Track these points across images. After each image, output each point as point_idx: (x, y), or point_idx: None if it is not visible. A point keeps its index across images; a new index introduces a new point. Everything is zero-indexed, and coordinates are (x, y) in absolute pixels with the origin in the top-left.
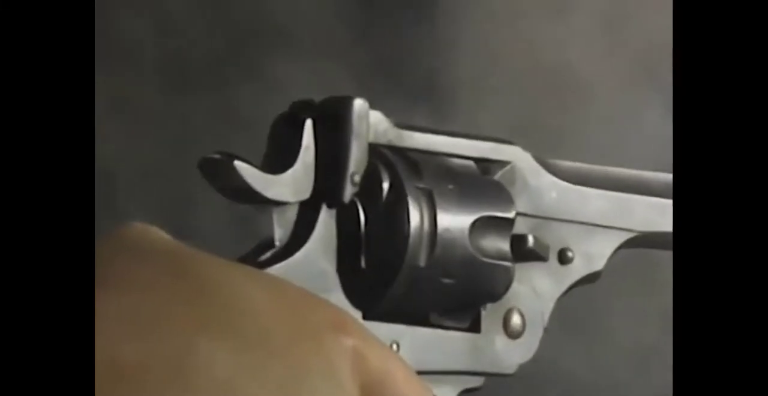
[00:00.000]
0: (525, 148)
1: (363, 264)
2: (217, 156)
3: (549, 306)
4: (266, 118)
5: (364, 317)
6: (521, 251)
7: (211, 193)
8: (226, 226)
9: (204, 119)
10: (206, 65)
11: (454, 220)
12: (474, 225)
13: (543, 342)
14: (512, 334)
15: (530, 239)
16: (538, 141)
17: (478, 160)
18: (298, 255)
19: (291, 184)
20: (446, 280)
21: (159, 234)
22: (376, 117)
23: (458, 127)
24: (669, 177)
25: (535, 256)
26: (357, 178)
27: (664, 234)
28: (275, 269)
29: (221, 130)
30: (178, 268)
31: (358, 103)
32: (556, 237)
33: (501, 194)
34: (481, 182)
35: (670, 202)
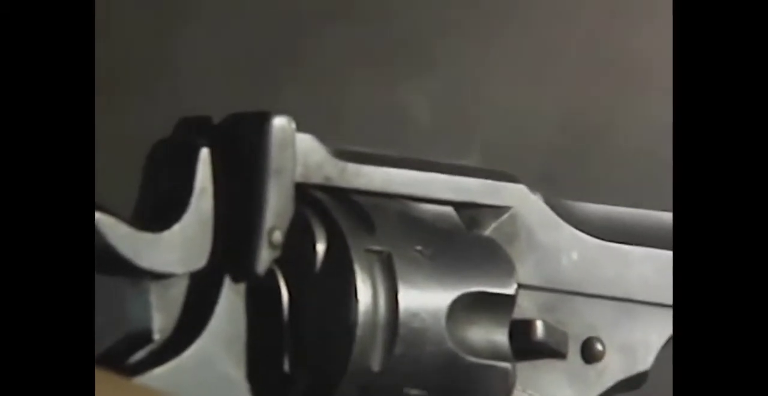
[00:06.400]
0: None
1: (286, 367)
2: None
3: None
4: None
5: None
6: (526, 345)
7: None
8: None
9: None
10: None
11: (425, 300)
12: (454, 306)
13: None
14: None
15: (539, 326)
16: None
17: (461, 206)
18: (187, 353)
19: (178, 247)
20: (413, 392)
21: None
22: (307, 143)
23: None
24: None
25: (548, 351)
26: (277, 237)
27: None
28: (153, 376)
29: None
30: None
31: (279, 123)
32: (579, 321)
33: (495, 258)
34: (464, 240)
35: None
